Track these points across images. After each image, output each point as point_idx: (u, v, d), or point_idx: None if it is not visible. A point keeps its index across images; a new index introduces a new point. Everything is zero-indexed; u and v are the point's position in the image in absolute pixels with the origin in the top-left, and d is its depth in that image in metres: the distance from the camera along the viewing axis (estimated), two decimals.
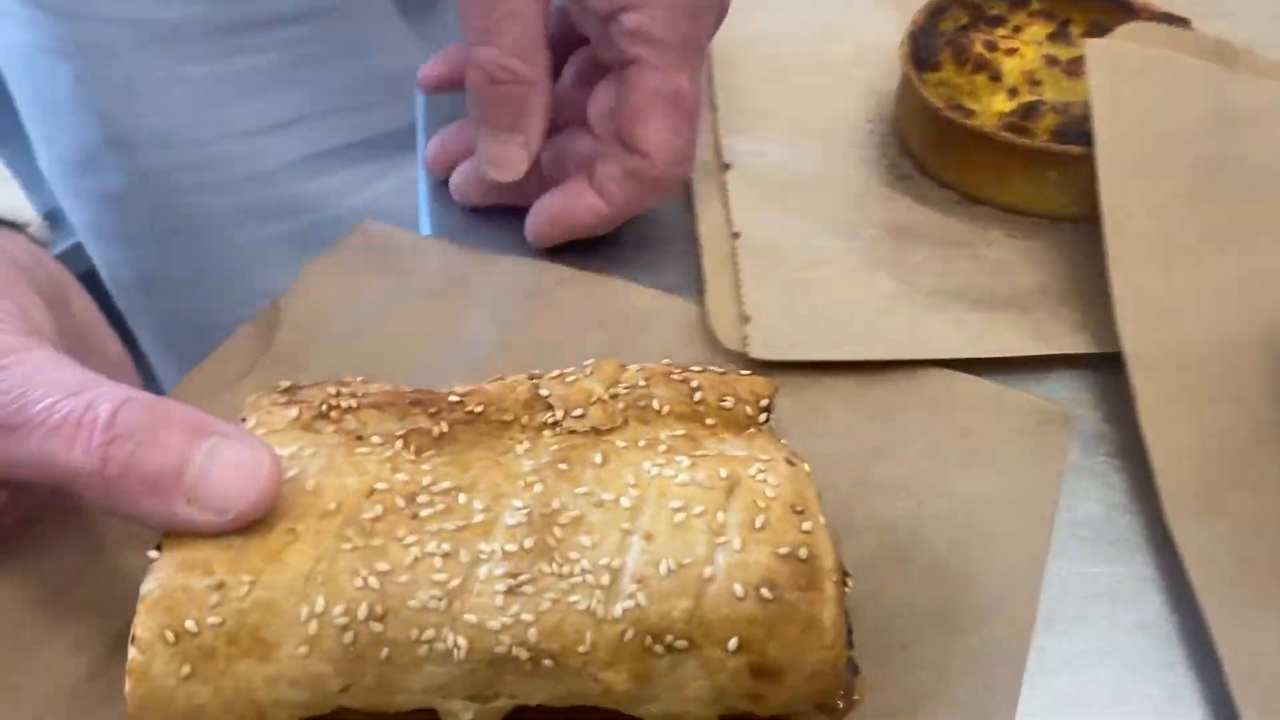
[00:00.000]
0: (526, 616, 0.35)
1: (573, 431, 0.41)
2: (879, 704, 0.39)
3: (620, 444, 0.40)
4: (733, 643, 0.35)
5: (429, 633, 0.35)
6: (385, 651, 0.35)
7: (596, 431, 0.41)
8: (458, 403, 0.41)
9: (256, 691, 0.35)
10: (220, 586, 0.35)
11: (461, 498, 0.37)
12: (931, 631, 0.41)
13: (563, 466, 0.39)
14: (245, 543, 0.35)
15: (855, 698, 0.38)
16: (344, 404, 0.41)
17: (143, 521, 0.35)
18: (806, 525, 0.37)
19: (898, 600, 0.42)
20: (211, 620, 0.34)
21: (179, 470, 0.35)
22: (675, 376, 0.43)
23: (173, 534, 0.36)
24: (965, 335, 0.51)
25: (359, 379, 0.43)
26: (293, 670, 0.35)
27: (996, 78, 0.59)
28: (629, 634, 0.35)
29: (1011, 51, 0.60)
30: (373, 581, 0.35)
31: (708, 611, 0.35)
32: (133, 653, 0.34)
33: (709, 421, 0.42)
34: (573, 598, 0.35)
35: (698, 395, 0.42)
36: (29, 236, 0.46)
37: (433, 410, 0.41)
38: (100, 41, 0.62)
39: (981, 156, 0.56)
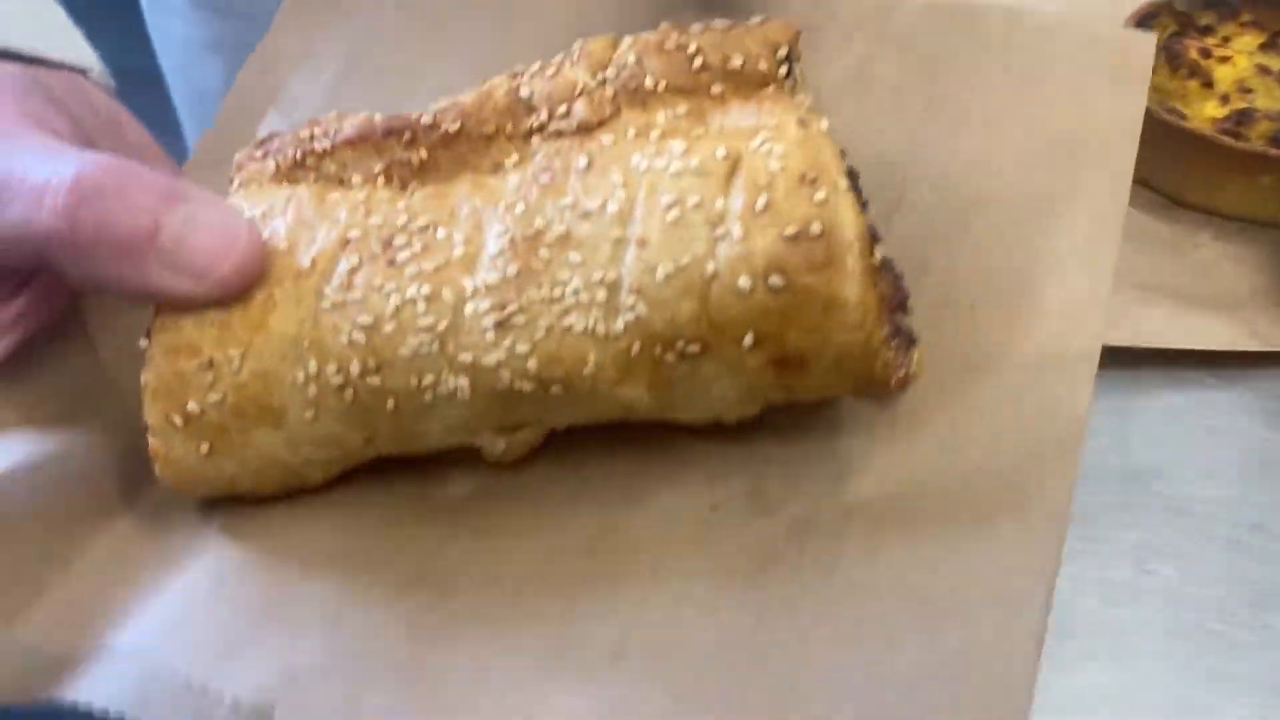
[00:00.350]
0: (522, 348, 0.33)
1: (559, 134, 0.36)
2: (944, 371, 0.35)
3: (606, 140, 0.35)
4: (748, 339, 0.32)
5: (428, 378, 0.33)
6: (391, 403, 0.34)
7: (585, 129, 0.36)
8: (431, 124, 0.37)
9: (281, 455, 0.35)
10: (211, 365, 0.34)
11: (440, 232, 0.34)
12: (999, 290, 0.36)
13: (545, 179, 0.35)
14: (227, 317, 0.34)
15: (911, 373, 0.34)
16: (319, 147, 0.38)
17: (122, 292, 0.34)
18: (819, 195, 0.32)
19: (960, 260, 0.37)
20: (212, 398, 0.34)
21: (151, 232, 0.33)
22: (670, 45, 0.37)
23: (159, 317, 0.35)
24: (1178, 328, 0.49)
25: (333, 114, 0.39)
26: (307, 434, 0.34)
27: (1209, 84, 0.59)
28: (635, 348, 0.33)
29: (1225, 59, 0.61)
30: (358, 336, 0.33)
31: (715, 311, 0.32)
32: (150, 439, 0.34)
33: (715, 90, 0.36)
34: (568, 320, 0.33)
35: (698, 61, 0.36)
36: (92, 81, 0.46)
37: (407, 138, 0.37)
38: (249, 38, 0.58)
39: (1195, 159, 0.56)
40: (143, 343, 0.35)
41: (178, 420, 0.34)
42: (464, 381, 0.33)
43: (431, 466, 0.37)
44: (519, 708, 0.30)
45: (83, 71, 0.46)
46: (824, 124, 0.34)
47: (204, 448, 0.34)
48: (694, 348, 0.33)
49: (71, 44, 0.47)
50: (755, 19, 0.38)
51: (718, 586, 0.32)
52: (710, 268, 0.32)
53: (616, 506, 0.35)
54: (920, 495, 0.32)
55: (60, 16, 0.48)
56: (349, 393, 0.33)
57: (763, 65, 0.37)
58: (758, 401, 0.34)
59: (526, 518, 0.35)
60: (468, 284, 0.33)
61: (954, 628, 0.29)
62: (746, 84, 0.36)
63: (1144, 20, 0.62)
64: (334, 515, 0.35)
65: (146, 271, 0.34)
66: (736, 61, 0.36)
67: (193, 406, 0.34)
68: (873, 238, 0.33)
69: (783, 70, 0.37)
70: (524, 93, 0.37)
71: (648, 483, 0.35)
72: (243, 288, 0.34)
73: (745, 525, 0.33)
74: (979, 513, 0.31)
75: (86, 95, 0.45)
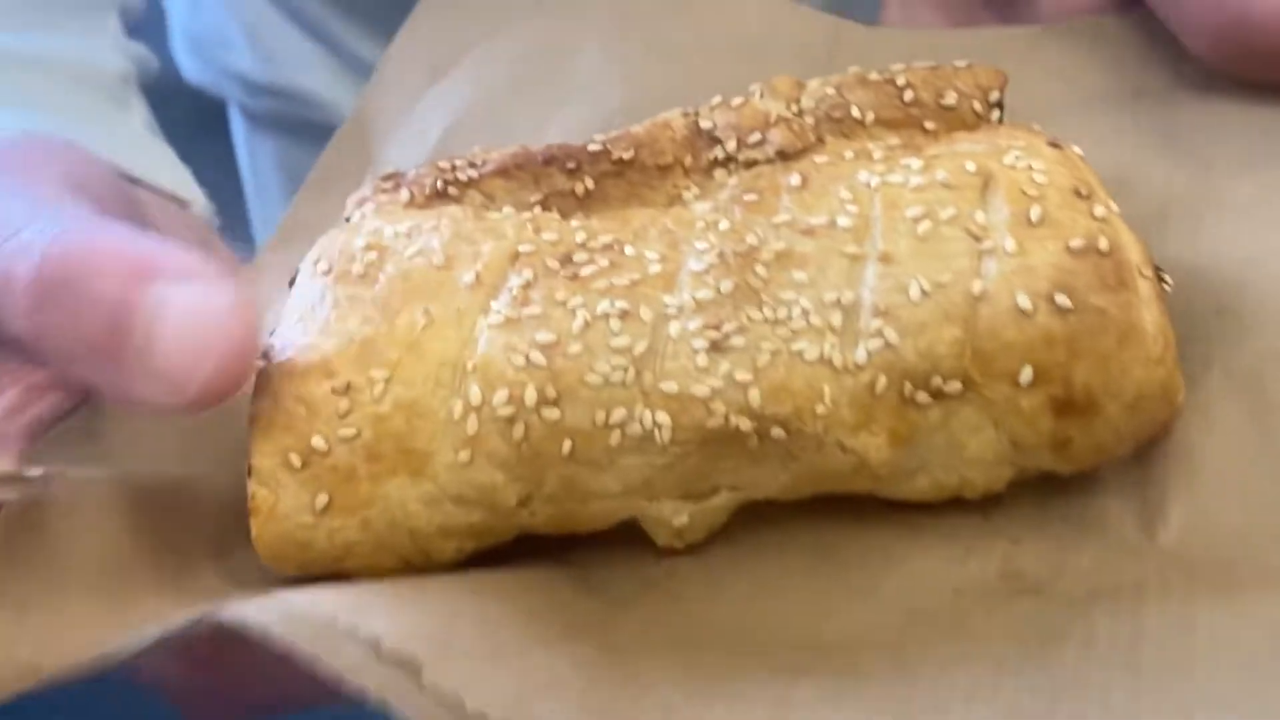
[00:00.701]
0: (742, 375, 0.26)
1: (753, 163, 0.32)
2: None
3: (821, 160, 0.31)
4: (1025, 374, 0.26)
5: (618, 413, 0.27)
6: (567, 445, 0.27)
7: (784, 156, 0.31)
8: (600, 151, 0.32)
9: (414, 518, 0.27)
10: (348, 390, 0.27)
11: (628, 250, 0.29)
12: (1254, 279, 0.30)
13: (750, 197, 0.30)
14: (371, 335, 0.28)
15: (1174, 415, 0.28)
16: (463, 176, 0.32)
17: (128, 404, 0.26)
18: (1099, 210, 0.27)
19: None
20: (344, 433, 0.27)
21: (122, 328, 0.25)
22: (875, 79, 0.33)
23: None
24: None
25: (475, 149, 0.34)
26: (455, 484, 0.27)
27: None
28: (880, 383, 0.27)
29: None
30: (537, 357, 0.27)
31: (985, 338, 0.26)
32: (252, 487, 0.27)
33: (928, 125, 0.32)
34: (797, 345, 0.27)
35: (908, 95, 0.32)
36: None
37: (571, 166, 0.32)
38: None
39: None
40: (258, 362, 0.28)
41: (295, 460, 0.27)
42: (664, 418, 0.27)
43: (584, 555, 0.29)
44: None
45: (183, 203, 0.43)
46: (1078, 149, 0.30)
47: (321, 499, 0.27)
48: (954, 385, 0.27)
49: (179, 179, 0.44)
50: (961, 63, 0.34)
51: (985, 672, 0.24)
52: (978, 286, 0.27)
53: (822, 601, 0.27)
54: (1227, 558, 0.26)
55: (171, 155, 0.46)
56: (519, 429, 0.27)
57: (976, 105, 0.33)
58: (1016, 465, 0.28)
59: (712, 604, 0.28)
60: (670, 301, 0.27)
61: None
62: (961, 124, 0.32)
63: None
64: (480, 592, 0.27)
65: (129, 379, 0.25)
66: (950, 99, 0.32)
67: (318, 442, 0.27)
68: (1158, 270, 0.28)
69: (995, 115, 0.33)
70: (705, 124, 0.33)
71: (861, 572, 0.28)
72: (227, 393, 0.26)
73: (1006, 606, 0.26)
74: None
75: (177, 214, 0.41)
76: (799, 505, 0.29)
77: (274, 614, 0.23)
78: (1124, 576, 0.26)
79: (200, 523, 0.30)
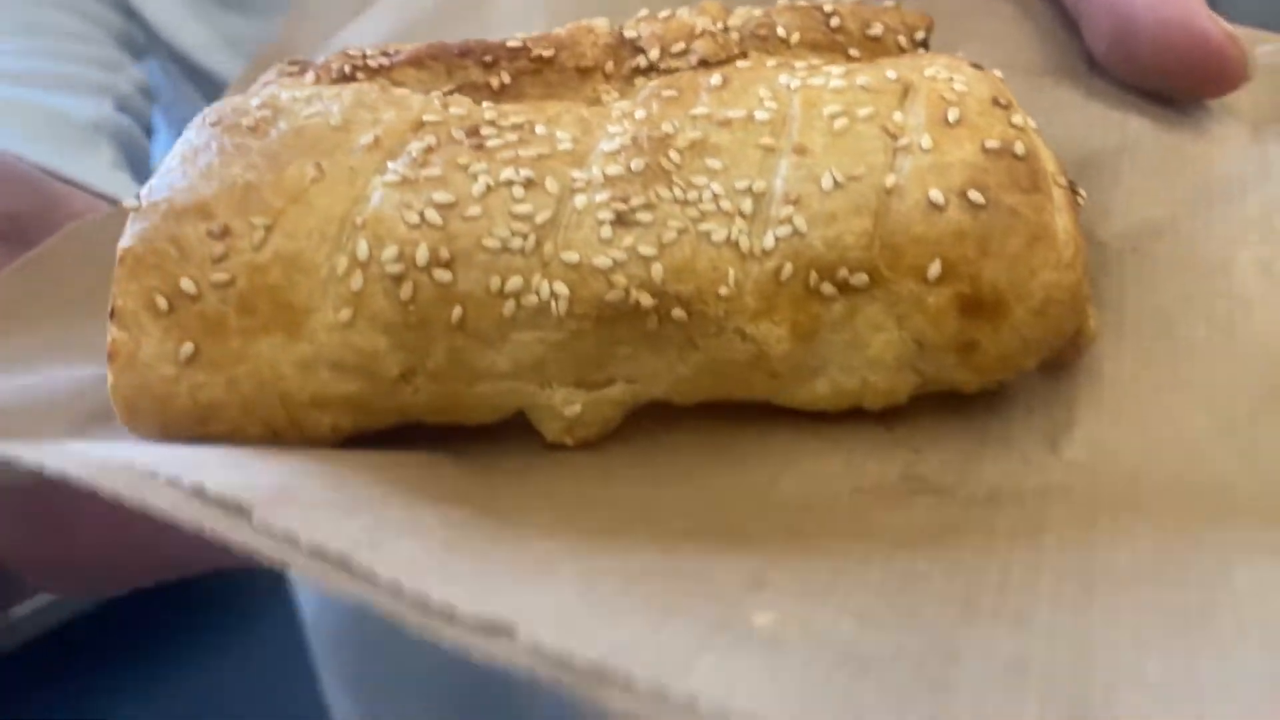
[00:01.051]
0: (646, 249, 0.25)
1: (675, 71, 0.31)
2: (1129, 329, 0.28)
3: (742, 65, 0.30)
4: (934, 268, 0.25)
5: (514, 281, 0.25)
6: (457, 312, 0.25)
7: (706, 65, 0.31)
8: (520, 48, 0.31)
9: (286, 381, 0.25)
10: (225, 234, 0.25)
11: (539, 129, 0.28)
12: (1169, 227, 0.30)
13: (669, 93, 0.29)
14: (255, 181, 0.26)
15: (1088, 335, 0.27)
16: (373, 64, 0.31)
17: None
18: (1016, 118, 0.27)
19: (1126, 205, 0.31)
20: (217, 278, 0.25)
21: None
22: (802, 5, 0.33)
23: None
24: None
25: (387, 44, 0.33)
26: (333, 347, 0.25)
27: None
28: (786, 270, 0.26)
29: None
30: (432, 216, 0.25)
31: (895, 232, 0.26)
32: (112, 330, 0.25)
33: (852, 53, 0.32)
34: (705, 226, 0.26)
35: (834, 22, 0.32)
36: None
37: (487, 60, 0.31)
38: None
39: None
40: (130, 201, 0.26)
41: (161, 303, 0.25)
42: (562, 289, 0.25)
43: (467, 444, 0.28)
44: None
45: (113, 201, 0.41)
46: (999, 72, 0.29)
47: (186, 350, 0.25)
48: (860, 278, 0.26)
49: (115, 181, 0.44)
50: (890, 3, 0.34)
51: (879, 551, 0.23)
52: (890, 180, 0.26)
53: (715, 492, 0.26)
54: (1136, 480, 0.25)
55: (109, 162, 0.46)
56: (407, 289, 0.25)
57: (902, 40, 0.32)
58: (919, 371, 0.27)
59: (603, 487, 0.26)
60: (578, 176, 0.26)
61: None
62: (885, 55, 0.32)
63: None
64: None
65: None
66: (876, 30, 0.32)
67: (187, 285, 0.25)
68: (1072, 184, 0.28)
69: (920, 53, 0.33)
70: (629, 34, 0.32)
71: (761, 468, 0.27)
72: None
73: (906, 503, 0.25)
74: (1225, 505, 0.24)
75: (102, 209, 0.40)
76: (696, 410, 0.28)
77: (94, 465, 0.21)
78: (1027, 483, 0.25)
79: (57, 410, 0.28)
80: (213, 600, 1.34)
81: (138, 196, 0.26)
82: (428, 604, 0.18)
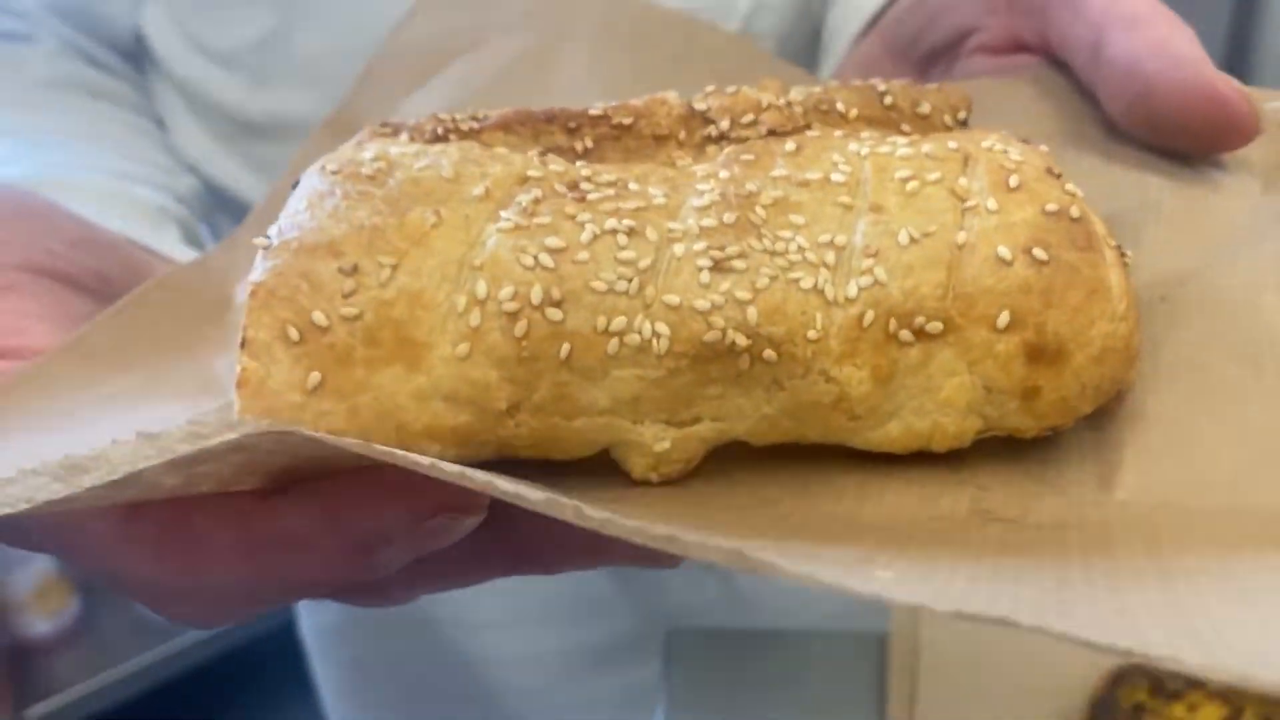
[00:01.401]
0: (741, 294, 0.28)
1: (746, 139, 0.34)
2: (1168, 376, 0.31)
3: (812, 134, 0.33)
4: (1003, 318, 0.28)
5: (619, 321, 0.27)
6: (565, 348, 0.27)
7: (775, 134, 0.34)
8: (601, 115, 0.34)
9: (403, 412, 0.27)
10: (355, 271, 0.27)
11: (633, 185, 0.30)
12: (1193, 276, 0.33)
13: (747, 157, 0.31)
14: (380, 224, 0.28)
15: (1127, 388, 0.30)
16: (464, 126, 0.34)
17: None
18: (1069, 186, 0.30)
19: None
20: (346, 311, 0.27)
21: None
22: (858, 84, 0.36)
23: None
24: None
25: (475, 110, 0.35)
26: (449, 379, 0.27)
27: None
28: (868, 317, 0.28)
29: None
30: (545, 259, 0.28)
31: (967, 283, 0.28)
32: (243, 360, 0.27)
33: (905, 128, 0.35)
34: (794, 274, 0.28)
35: (888, 99, 0.35)
36: None
37: (572, 125, 0.34)
38: None
39: None
40: (260, 240, 0.28)
41: (293, 333, 0.27)
42: (664, 329, 0.27)
43: (556, 480, 0.29)
44: None
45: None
46: (1043, 147, 0.32)
47: (313, 379, 0.27)
48: (935, 325, 0.28)
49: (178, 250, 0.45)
50: (932, 85, 0.37)
51: (964, 558, 0.25)
52: (961, 237, 0.29)
53: (798, 520, 0.28)
54: (1188, 513, 0.27)
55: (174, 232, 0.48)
56: (521, 325, 0.27)
57: (947, 119, 0.36)
58: (984, 416, 0.29)
59: (689, 515, 0.28)
60: (675, 226, 0.29)
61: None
62: (933, 130, 0.35)
63: (1118, 680, 0.63)
64: None
65: None
66: (924, 108, 0.35)
67: (319, 318, 0.27)
68: (1119, 245, 0.30)
69: (970, 129, 0.36)
70: (699, 106, 0.35)
71: (840, 501, 0.29)
72: None
73: (980, 529, 0.27)
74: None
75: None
76: (769, 451, 0.30)
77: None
78: (1088, 516, 0.27)
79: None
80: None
81: (266, 235, 0.28)
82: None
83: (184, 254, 0.45)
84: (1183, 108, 0.35)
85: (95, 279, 0.37)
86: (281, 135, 0.57)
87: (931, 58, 0.45)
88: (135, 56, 0.60)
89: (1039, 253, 0.28)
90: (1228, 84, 0.34)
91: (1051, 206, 0.29)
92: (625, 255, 0.28)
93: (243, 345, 0.27)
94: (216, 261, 0.37)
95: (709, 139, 0.34)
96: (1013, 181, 0.29)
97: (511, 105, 0.38)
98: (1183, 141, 0.35)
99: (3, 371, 0.32)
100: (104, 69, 0.59)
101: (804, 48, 0.59)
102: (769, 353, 0.28)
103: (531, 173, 0.30)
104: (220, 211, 0.59)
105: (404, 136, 0.33)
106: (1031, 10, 0.41)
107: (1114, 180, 0.36)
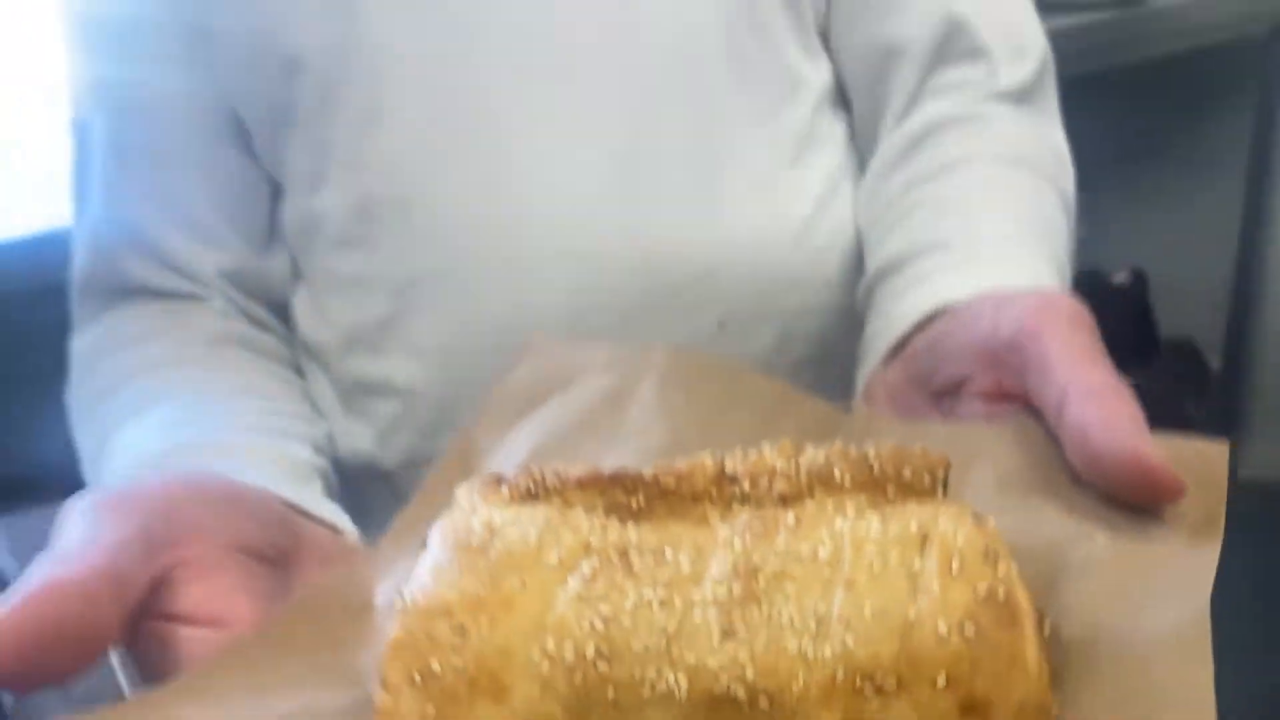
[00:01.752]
0: (743, 656, 0.37)
1: (761, 502, 0.44)
2: None
3: (810, 505, 0.43)
4: (941, 679, 0.37)
5: (651, 673, 0.37)
6: (611, 692, 0.37)
7: (784, 499, 0.44)
8: (651, 479, 0.45)
9: None
10: (463, 630, 0.38)
11: (668, 552, 0.40)
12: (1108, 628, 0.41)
13: (756, 527, 0.41)
14: (484, 594, 0.39)
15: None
16: (550, 483, 0.45)
17: None
18: (1001, 570, 0.39)
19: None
20: (455, 662, 0.37)
21: None
22: (853, 454, 0.46)
23: (416, 585, 0.39)
24: None
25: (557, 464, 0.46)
26: (524, 712, 0.37)
27: None
28: (840, 674, 0.37)
29: None
30: (599, 625, 0.38)
31: (915, 650, 0.37)
32: (381, 695, 0.37)
33: (889, 491, 0.44)
34: (784, 640, 0.38)
35: (876, 468, 0.45)
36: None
37: (629, 486, 0.44)
38: None
39: None
40: (399, 602, 0.39)
41: (417, 678, 0.37)
42: (684, 680, 0.37)
43: None
44: None
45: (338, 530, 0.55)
46: (992, 522, 0.42)
47: (429, 712, 0.37)
48: (891, 682, 0.37)
49: (333, 511, 0.56)
50: (917, 448, 0.47)
51: None
52: (912, 613, 0.38)
53: None
54: None
55: (326, 501, 0.58)
56: (578, 675, 0.37)
57: (926, 480, 0.45)
58: None
59: None
60: (697, 596, 0.39)
61: None
62: (914, 491, 0.45)
63: None
64: None
65: None
66: (907, 474, 0.45)
67: (435, 666, 0.37)
68: (1040, 616, 0.39)
69: (939, 491, 0.45)
70: (728, 468, 0.45)
71: None
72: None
73: None
74: None
75: (331, 538, 0.54)
76: None
77: None
78: None
79: None
80: None
81: (402, 596, 0.39)
82: None
83: (329, 510, 0.56)
84: (1119, 475, 0.44)
85: (273, 550, 0.48)
86: (389, 394, 0.70)
87: (940, 395, 0.56)
88: (284, 310, 0.74)
89: (969, 629, 0.37)
90: (1159, 455, 0.44)
91: (982, 590, 0.38)
92: (658, 622, 0.38)
93: (382, 684, 0.37)
94: (362, 570, 0.48)
95: (734, 496, 0.45)
96: (955, 566, 0.39)
97: (595, 433, 0.49)
98: (1125, 497, 0.45)
99: (219, 639, 0.43)
100: (260, 325, 0.73)
101: (842, 343, 0.70)
102: (763, 701, 0.37)
103: (593, 540, 0.41)
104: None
105: (505, 489, 0.44)
106: (1013, 370, 0.52)
107: (1067, 532, 0.45)
